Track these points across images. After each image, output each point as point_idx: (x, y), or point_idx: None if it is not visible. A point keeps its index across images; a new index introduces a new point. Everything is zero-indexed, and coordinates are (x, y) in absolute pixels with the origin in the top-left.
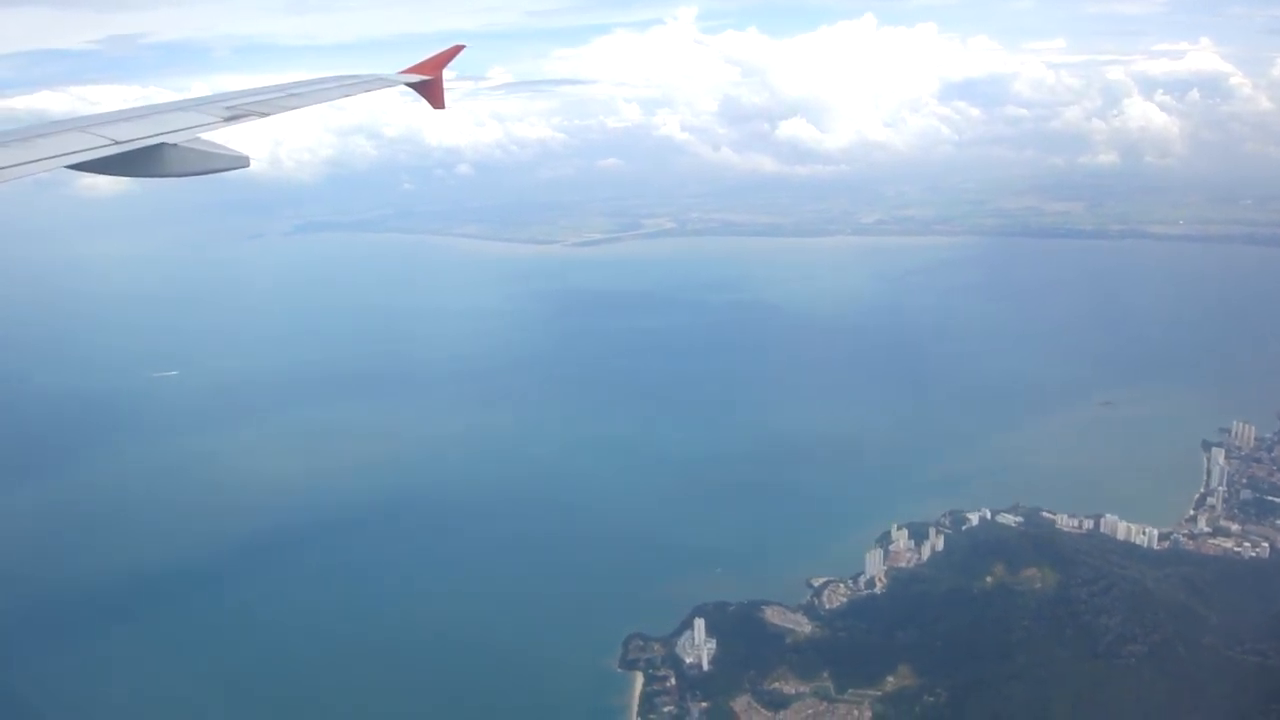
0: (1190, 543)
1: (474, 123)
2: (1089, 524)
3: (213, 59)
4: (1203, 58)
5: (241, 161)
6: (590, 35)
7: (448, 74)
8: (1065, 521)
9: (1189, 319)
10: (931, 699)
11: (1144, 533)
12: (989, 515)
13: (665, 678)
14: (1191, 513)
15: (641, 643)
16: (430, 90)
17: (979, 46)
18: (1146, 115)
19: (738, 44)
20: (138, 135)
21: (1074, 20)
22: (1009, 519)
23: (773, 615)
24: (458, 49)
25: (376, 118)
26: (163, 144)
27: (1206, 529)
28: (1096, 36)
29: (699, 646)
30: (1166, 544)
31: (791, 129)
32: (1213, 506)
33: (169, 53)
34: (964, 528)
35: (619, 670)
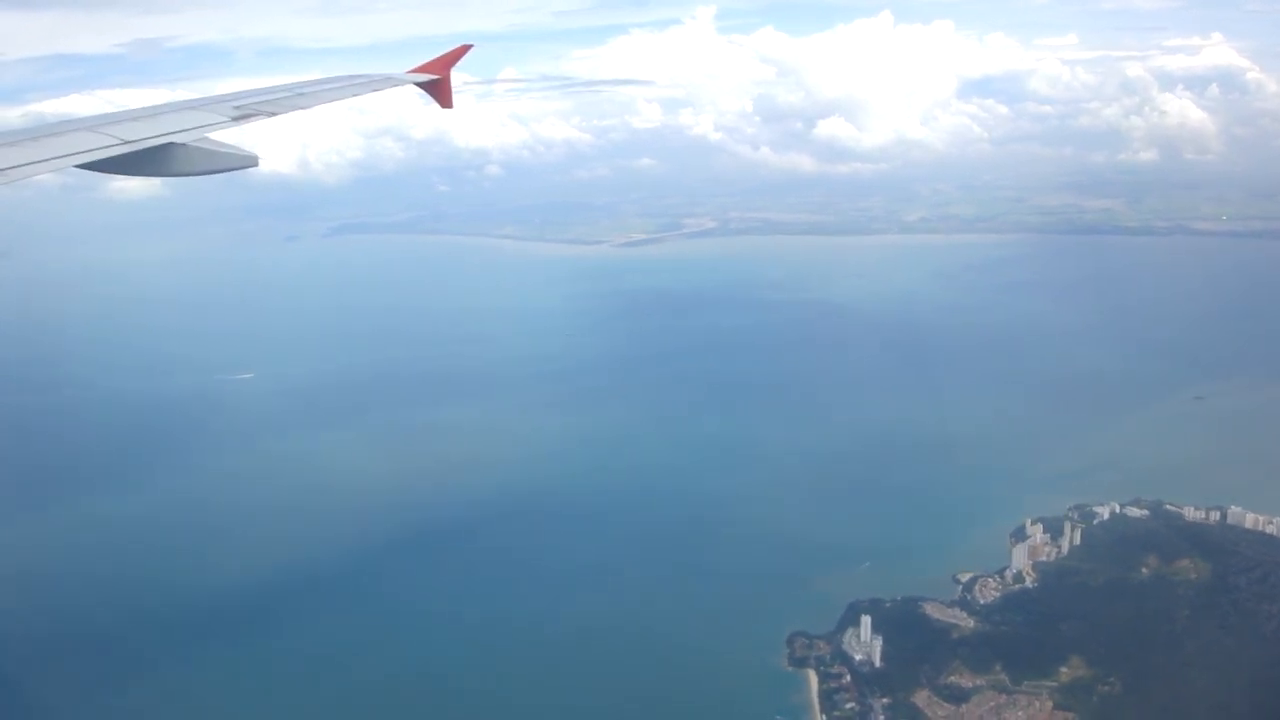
0: None
1: (499, 123)
2: (1215, 515)
3: (235, 62)
4: (1218, 53)
5: (250, 161)
6: (607, 36)
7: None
8: (1192, 513)
9: (1253, 313)
10: (1106, 688)
11: (1271, 523)
12: (1118, 509)
13: (839, 675)
14: None
15: (806, 641)
16: (439, 90)
17: (995, 43)
18: (1183, 111)
19: (772, 43)
20: (146, 135)
21: (1087, 15)
22: (1135, 512)
23: (932, 611)
24: (465, 48)
25: (404, 119)
26: (171, 143)
27: None
28: (1110, 32)
29: (866, 643)
30: None
31: (830, 128)
32: None
33: (193, 56)
34: (1095, 522)
35: (789, 669)
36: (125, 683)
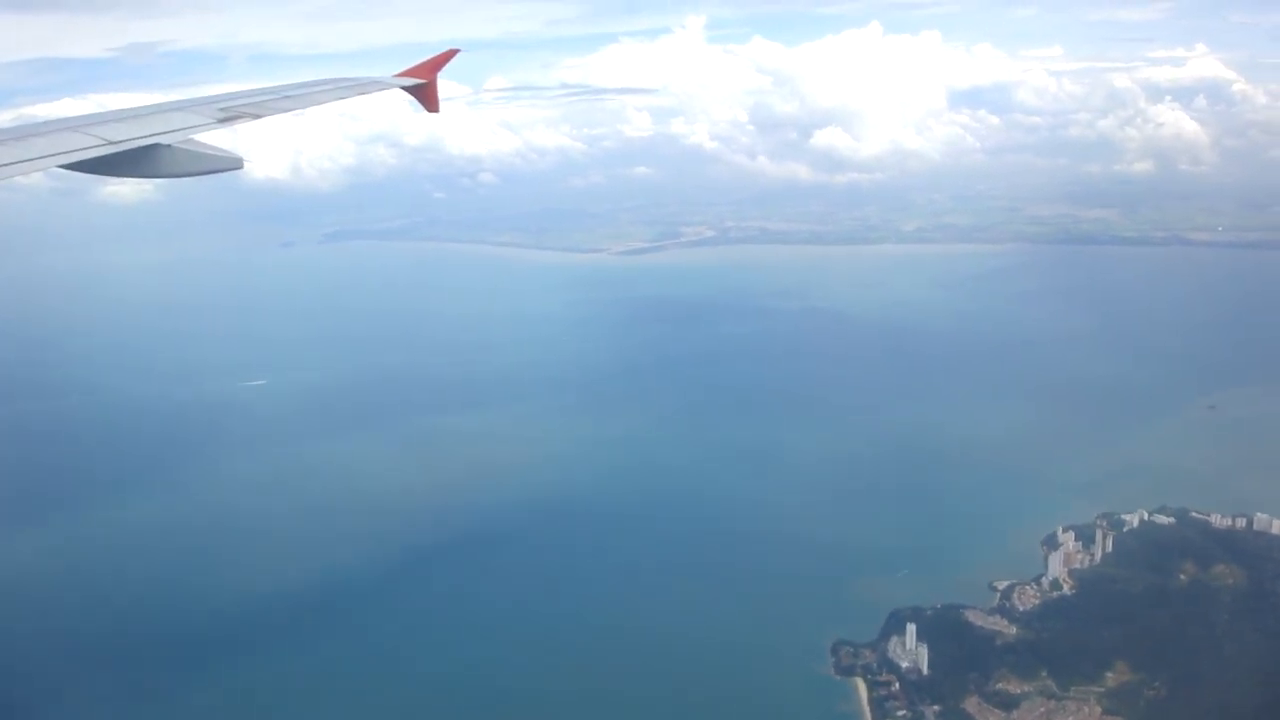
0: None
1: (490, 131)
2: (1242, 522)
3: (228, 67)
4: (1204, 64)
5: (235, 163)
6: (598, 44)
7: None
8: (1219, 521)
9: (1255, 323)
10: (1152, 693)
11: None
12: (1146, 516)
13: (888, 683)
14: None
15: (850, 649)
16: (425, 94)
17: (983, 54)
18: (1177, 123)
19: (767, 52)
20: (131, 136)
21: (1074, 27)
22: (1163, 519)
23: (974, 618)
24: (452, 53)
25: (397, 125)
26: (156, 144)
27: None
28: (1096, 43)
29: (912, 651)
30: None
31: (826, 137)
32: None
33: (186, 61)
34: (1125, 529)
35: (836, 677)
36: (143, 693)
